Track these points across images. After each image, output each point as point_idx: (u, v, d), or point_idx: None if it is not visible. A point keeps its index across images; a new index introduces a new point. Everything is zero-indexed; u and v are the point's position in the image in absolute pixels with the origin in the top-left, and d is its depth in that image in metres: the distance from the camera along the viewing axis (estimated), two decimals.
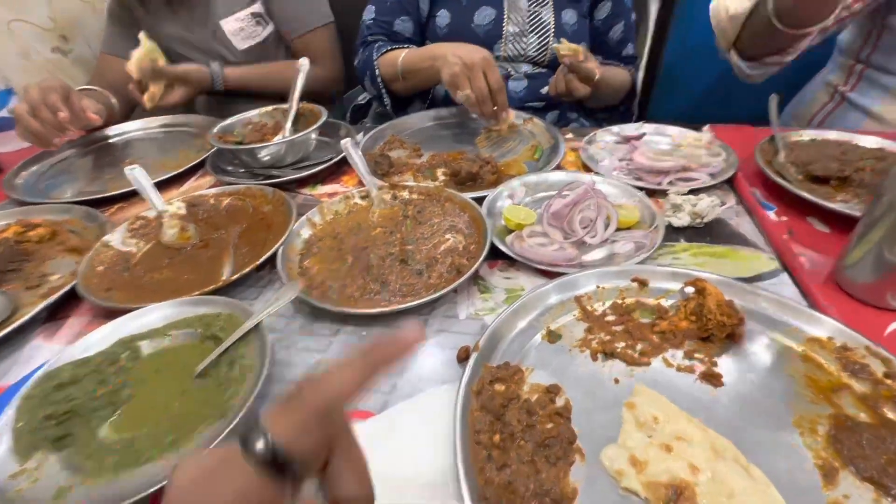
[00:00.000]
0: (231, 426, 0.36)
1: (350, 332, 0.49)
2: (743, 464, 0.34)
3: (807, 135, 0.73)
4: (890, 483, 0.32)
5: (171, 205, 0.68)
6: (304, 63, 0.90)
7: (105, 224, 0.67)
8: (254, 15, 1.10)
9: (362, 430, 0.37)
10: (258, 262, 0.55)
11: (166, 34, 1.08)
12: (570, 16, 1.04)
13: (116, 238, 0.63)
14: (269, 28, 1.14)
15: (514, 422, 0.37)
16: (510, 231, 0.60)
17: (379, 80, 0.95)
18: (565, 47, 0.86)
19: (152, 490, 0.33)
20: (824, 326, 0.43)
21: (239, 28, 1.09)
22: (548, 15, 1.02)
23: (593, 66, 0.90)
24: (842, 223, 0.55)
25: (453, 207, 0.64)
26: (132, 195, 0.77)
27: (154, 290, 0.56)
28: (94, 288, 0.54)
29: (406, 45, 0.96)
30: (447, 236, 0.59)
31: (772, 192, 0.63)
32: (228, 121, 0.86)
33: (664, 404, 0.38)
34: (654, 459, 0.34)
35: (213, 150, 0.84)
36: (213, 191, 0.72)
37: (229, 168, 0.82)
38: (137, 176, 0.67)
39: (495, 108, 0.82)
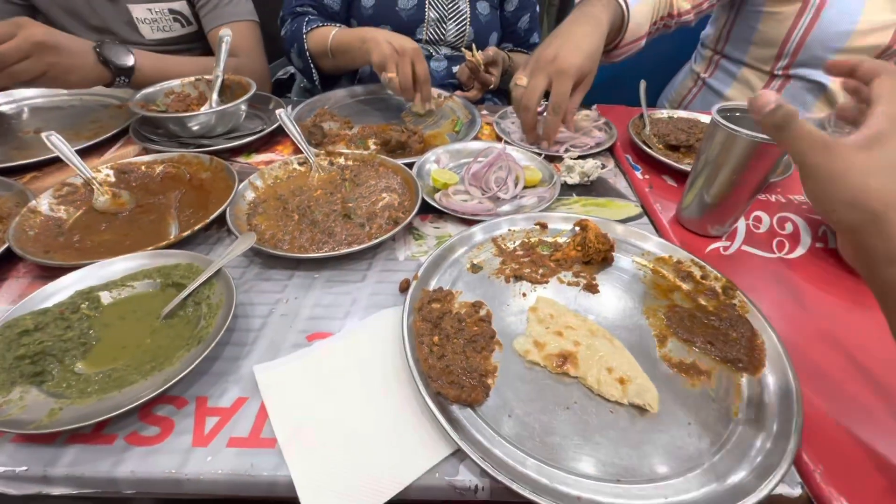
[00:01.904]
0: (210, 348, 0.42)
1: (303, 276, 0.56)
2: (609, 338, 0.48)
3: (665, 113, 0.92)
4: (695, 339, 0.48)
5: (98, 172, 0.68)
6: (226, 32, 0.91)
7: (23, 192, 0.65)
8: (172, 12, 1.05)
9: (325, 346, 0.46)
10: (209, 220, 0.59)
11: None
12: (483, 7, 1.15)
13: (43, 204, 0.62)
14: (190, 29, 1.10)
15: (448, 327, 0.48)
16: (437, 190, 0.70)
17: (308, 54, 0.98)
18: (470, 55, 0.99)
19: (142, 402, 0.38)
20: (666, 249, 0.59)
21: (151, 18, 1.04)
22: (464, 5, 1.12)
23: (495, 74, 1.06)
24: (686, 179, 0.73)
25: (387, 171, 0.72)
26: (45, 164, 0.74)
27: (97, 252, 0.57)
28: (30, 250, 0.54)
29: (336, 24, 1.00)
30: (384, 195, 0.67)
31: (639, 157, 0.81)
32: (150, 89, 0.84)
33: (558, 307, 0.51)
34: (549, 341, 0.47)
35: (135, 119, 0.83)
36: (145, 158, 0.72)
37: (154, 137, 0.81)
38: (56, 143, 0.66)
39: (418, 94, 0.90)
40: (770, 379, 0.44)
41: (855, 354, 0.48)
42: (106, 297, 0.49)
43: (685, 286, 0.55)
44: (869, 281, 0.38)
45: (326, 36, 0.96)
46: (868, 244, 0.35)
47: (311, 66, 1.00)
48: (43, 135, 0.65)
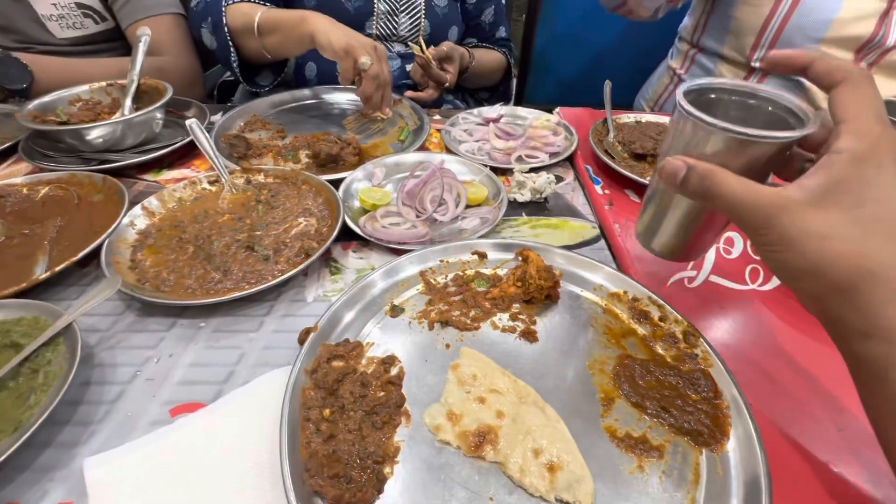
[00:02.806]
0: (22, 440, 0.33)
1: (186, 325, 0.47)
2: (541, 406, 0.39)
3: (632, 117, 0.83)
4: (648, 405, 0.39)
5: None
6: (144, 31, 0.81)
7: None
8: (80, 6, 0.94)
9: (187, 424, 0.37)
10: (76, 259, 0.49)
11: None
12: None
13: None
14: (106, 25, 0.99)
15: (346, 395, 0.39)
16: (366, 212, 0.61)
17: (225, 28, 0.85)
18: (418, 49, 0.89)
19: None
20: (620, 283, 0.50)
21: (57, 14, 0.93)
22: None
23: (451, 72, 0.96)
24: None
25: (309, 191, 0.63)
26: None
27: None
28: None
29: (265, 2, 0.89)
30: (300, 220, 0.58)
31: (601, 168, 0.72)
32: (48, 97, 0.74)
33: (484, 363, 0.42)
34: (468, 412, 0.38)
35: (27, 133, 0.73)
36: (26, 179, 0.63)
37: (51, 154, 0.71)
38: None
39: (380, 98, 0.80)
40: (734, 458, 0.36)
41: (840, 417, 0.40)
42: None
43: (641, 330, 0.47)
44: (839, 348, 0.30)
45: (253, 11, 0.83)
46: (836, 315, 0.28)
47: (230, 43, 0.86)
48: None
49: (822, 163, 0.28)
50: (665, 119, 0.84)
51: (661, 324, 0.46)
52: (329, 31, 0.77)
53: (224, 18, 0.85)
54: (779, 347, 0.46)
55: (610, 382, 0.42)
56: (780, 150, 0.31)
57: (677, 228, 0.40)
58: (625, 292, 0.49)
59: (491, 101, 1.28)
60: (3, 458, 0.32)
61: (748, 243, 0.58)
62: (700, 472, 0.36)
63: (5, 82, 0.71)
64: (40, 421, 0.34)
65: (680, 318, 0.46)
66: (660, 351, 0.45)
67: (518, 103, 1.45)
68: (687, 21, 1.13)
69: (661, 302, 0.47)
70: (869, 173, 0.26)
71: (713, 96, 0.37)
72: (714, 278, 0.54)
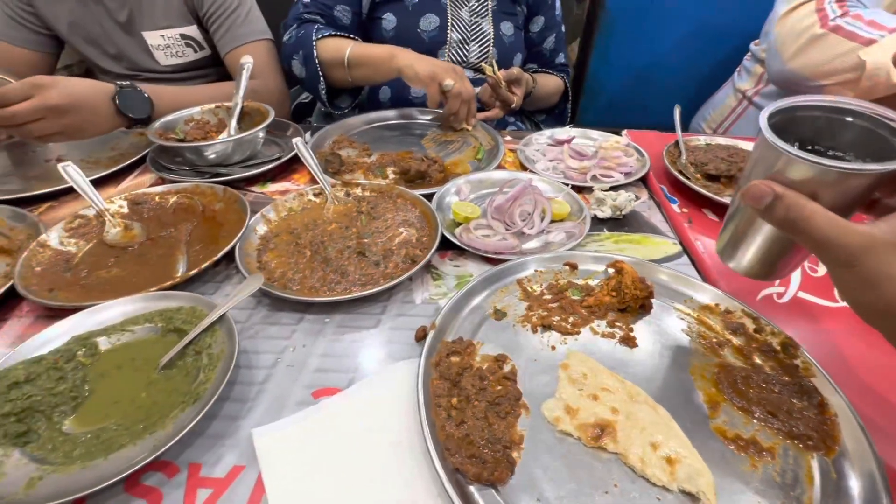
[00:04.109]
0: (206, 408, 0.38)
1: (312, 319, 0.52)
2: (651, 405, 0.42)
3: (703, 140, 0.86)
4: (755, 409, 0.42)
5: (111, 203, 0.67)
6: (247, 60, 0.91)
7: (36, 224, 0.64)
8: (184, 37, 1.06)
9: (331, 405, 0.41)
10: (216, 258, 0.56)
11: (69, 24, 1.01)
12: (507, 27, 1.12)
13: (53, 237, 0.61)
14: (203, 53, 1.11)
15: (468, 386, 0.43)
16: (458, 224, 0.66)
17: (316, 61, 0.96)
18: (490, 70, 0.97)
19: (127, 473, 0.34)
20: (712, 295, 0.53)
21: (164, 45, 1.05)
22: (487, 26, 1.10)
23: (518, 94, 1.03)
24: None
25: (405, 203, 0.68)
26: (62, 194, 0.74)
27: (102, 290, 0.55)
28: (34, 289, 0.52)
29: (351, 36, 0.98)
30: (401, 230, 0.63)
31: (676, 188, 0.75)
32: (169, 117, 0.84)
33: (592, 364, 0.46)
34: (583, 407, 0.41)
35: (153, 147, 0.82)
36: (158, 189, 0.71)
37: (171, 166, 0.80)
38: (72, 173, 0.65)
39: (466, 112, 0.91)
40: (848, 462, 0.37)
41: None
42: (104, 343, 0.46)
43: (736, 341, 0.49)
44: None
45: (342, 47, 0.94)
46: None
47: (319, 74, 0.97)
48: (59, 165, 0.64)
49: None
50: (733, 142, 0.86)
51: (757, 335, 0.49)
52: (415, 64, 0.88)
53: (315, 52, 0.96)
54: (874, 366, 0.47)
55: (713, 388, 0.44)
56: (875, 181, 0.30)
57: (759, 250, 0.40)
58: (717, 305, 0.52)
59: (547, 123, 1.33)
60: (193, 423, 0.37)
61: None
62: (813, 474, 0.37)
63: (131, 112, 0.81)
64: (217, 394, 0.39)
65: (777, 329, 0.48)
66: (758, 361, 0.47)
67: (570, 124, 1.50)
68: (765, 39, 1.13)
69: (756, 314, 0.49)
70: None
71: (801, 114, 0.35)
72: (803, 294, 0.55)
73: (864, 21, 0.83)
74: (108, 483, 0.34)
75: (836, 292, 0.55)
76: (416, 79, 0.88)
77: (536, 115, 1.34)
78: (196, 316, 0.48)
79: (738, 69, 1.33)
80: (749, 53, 1.27)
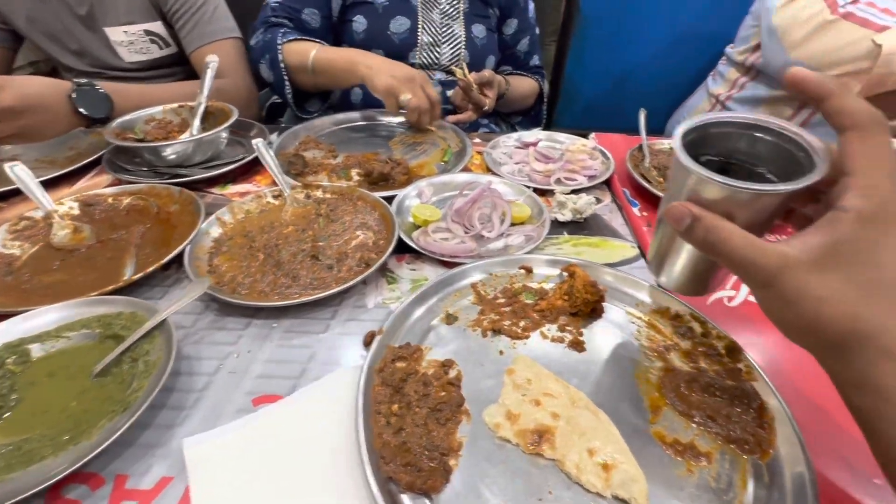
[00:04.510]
0: (135, 417, 0.37)
1: (260, 325, 0.51)
2: (593, 410, 0.42)
3: (668, 143, 0.87)
4: (695, 413, 0.42)
5: (61, 204, 0.65)
6: (212, 58, 0.89)
7: None
8: (148, 33, 1.04)
9: (270, 413, 0.40)
10: (164, 261, 0.55)
11: (27, 19, 0.98)
12: (479, 30, 1.12)
13: None
14: (169, 51, 1.09)
15: (411, 392, 0.42)
16: (417, 227, 0.65)
17: (282, 65, 0.95)
18: (460, 73, 0.97)
19: (44, 486, 0.33)
20: (663, 300, 0.53)
21: (128, 41, 1.03)
22: (458, 28, 1.10)
23: (490, 96, 1.02)
24: None
25: (365, 206, 0.68)
26: (13, 195, 0.71)
27: (43, 294, 0.53)
28: None
29: (316, 40, 0.97)
30: (358, 233, 0.63)
31: (638, 191, 0.75)
32: (128, 117, 0.82)
33: (537, 369, 0.46)
34: (525, 413, 0.41)
35: (110, 148, 0.80)
36: (112, 190, 0.69)
37: (129, 167, 0.78)
38: (19, 174, 0.63)
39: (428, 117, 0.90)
40: (780, 466, 0.38)
41: None
42: (37, 351, 0.45)
43: (683, 344, 0.49)
44: (839, 391, 0.31)
45: (307, 51, 0.93)
46: (832, 368, 0.29)
47: (285, 78, 0.96)
48: (6, 165, 0.62)
49: (828, 219, 0.27)
50: None
51: (704, 339, 0.49)
52: (374, 76, 0.87)
53: (280, 55, 0.95)
54: (814, 371, 0.48)
55: (656, 392, 0.44)
56: (786, 198, 0.30)
57: (685, 267, 0.39)
58: (667, 308, 0.52)
59: (523, 125, 1.33)
60: (119, 433, 0.36)
61: None
62: (747, 478, 0.38)
63: (89, 112, 0.78)
64: (147, 402, 0.38)
65: (723, 333, 0.48)
66: (703, 365, 0.47)
67: (547, 128, 1.51)
68: (745, 38, 1.15)
69: (704, 318, 0.50)
70: (873, 236, 0.25)
71: (715, 130, 0.34)
72: (752, 298, 0.56)
73: (878, 8, 0.81)
74: (23, 496, 0.32)
75: None
76: (375, 91, 0.88)
77: (512, 117, 1.34)
78: (136, 322, 0.47)
79: (711, 73, 1.35)
80: (724, 58, 1.29)
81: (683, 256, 0.38)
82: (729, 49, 1.23)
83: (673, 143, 0.33)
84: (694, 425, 0.41)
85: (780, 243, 0.28)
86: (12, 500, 0.32)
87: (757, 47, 1.09)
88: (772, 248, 0.28)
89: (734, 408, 0.42)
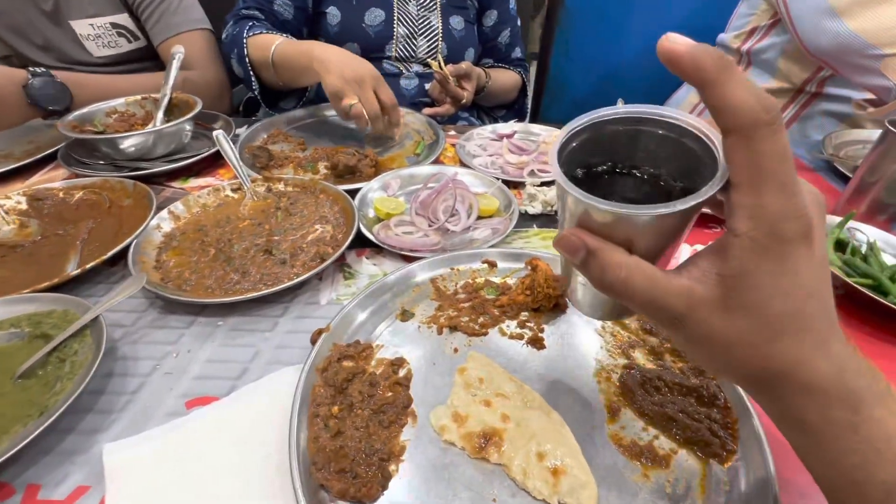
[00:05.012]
0: (49, 422, 0.35)
1: (205, 322, 0.48)
2: (546, 411, 0.39)
3: None
4: (655, 415, 0.39)
5: (8, 199, 0.62)
6: (178, 49, 0.86)
7: None
8: (115, 25, 1.00)
9: (202, 416, 0.38)
10: (105, 257, 0.52)
11: None
12: (457, 21, 1.09)
13: None
14: (138, 44, 1.05)
15: (355, 393, 0.40)
16: (380, 220, 0.63)
17: (247, 60, 0.90)
18: (436, 66, 0.93)
19: None
20: None
21: (94, 34, 1.00)
22: (436, 20, 1.07)
23: (468, 89, 0.98)
24: None
25: (327, 199, 0.65)
26: None
27: None
28: None
29: (283, 33, 0.92)
30: (316, 227, 0.60)
31: None
32: (87, 109, 0.79)
33: (491, 367, 0.43)
34: (473, 414, 0.39)
35: (67, 141, 0.77)
36: (63, 184, 0.66)
37: (88, 161, 0.75)
38: None
39: (386, 120, 0.81)
40: (742, 471, 0.35)
41: None
42: None
43: (650, 340, 0.47)
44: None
45: (269, 44, 0.87)
46: (757, 401, 0.27)
47: (251, 75, 0.91)
48: None
49: (721, 245, 0.23)
50: None
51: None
52: (324, 74, 0.78)
53: (245, 50, 0.90)
54: None
55: (616, 391, 0.42)
56: (693, 211, 0.24)
57: (596, 295, 0.31)
58: None
59: (506, 119, 1.31)
60: (28, 440, 0.33)
61: None
62: (707, 483, 0.35)
63: (47, 104, 0.76)
64: (64, 407, 0.36)
65: None
66: (668, 363, 0.44)
67: (533, 122, 1.48)
68: (741, 25, 1.11)
69: None
70: (769, 266, 0.22)
71: (605, 130, 0.26)
72: None
73: None
74: None
75: None
76: (325, 91, 0.80)
77: (495, 110, 1.31)
78: (68, 320, 0.44)
79: None
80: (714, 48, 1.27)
81: (590, 287, 0.29)
82: (722, 36, 1.21)
83: (549, 156, 0.26)
84: (652, 428, 0.39)
85: (683, 274, 0.24)
86: None
87: (752, 33, 1.07)
88: (676, 286, 0.24)
89: (698, 407, 0.40)
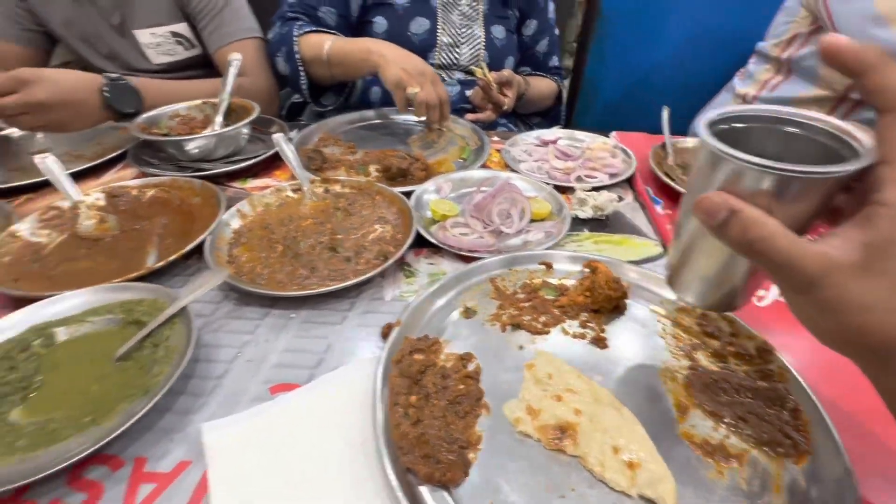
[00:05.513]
0: (155, 400, 0.37)
1: (278, 314, 0.51)
2: (617, 407, 0.40)
3: (691, 142, 0.85)
4: (725, 413, 0.40)
5: (88, 195, 0.66)
6: (235, 56, 0.90)
7: (11, 214, 0.64)
8: (175, 34, 1.06)
9: (287, 401, 0.40)
10: (185, 250, 0.55)
11: (63, 22, 1.02)
12: (498, 31, 1.12)
13: (25, 228, 0.60)
14: (194, 52, 1.11)
15: (429, 385, 0.42)
16: (436, 222, 0.65)
17: (297, 57, 0.95)
18: (480, 73, 0.96)
19: (65, 465, 0.33)
20: None
21: (155, 43, 1.06)
22: (478, 29, 1.09)
23: (509, 96, 1.01)
24: None
25: (383, 201, 0.68)
26: (42, 186, 0.73)
27: (69, 281, 0.54)
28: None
29: (332, 31, 0.97)
30: (376, 227, 0.62)
31: (661, 189, 0.74)
32: (153, 112, 0.83)
33: (558, 364, 0.44)
34: (546, 408, 0.40)
35: (135, 142, 0.82)
36: (136, 182, 0.70)
37: (154, 161, 0.79)
38: (50, 165, 0.64)
39: (436, 114, 0.88)
40: (818, 470, 0.36)
41: None
42: (62, 334, 0.46)
43: (712, 343, 0.47)
44: (883, 399, 0.29)
45: (322, 42, 0.92)
46: (873, 375, 0.27)
47: (300, 70, 0.96)
48: (36, 158, 0.64)
49: (866, 216, 0.24)
50: None
51: (733, 338, 0.47)
52: (386, 67, 0.85)
53: (295, 47, 0.95)
54: (852, 371, 0.46)
55: (682, 391, 0.43)
56: (830, 188, 0.27)
57: (712, 276, 0.34)
58: (693, 307, 0.50)
59: (541, 126, 1.32)
60: (139, 416, 0.36)
61: None
62: (781, 482, 0.36)
63: (122, 106, 0.81)
64: (167, 387, 0.38)
65: (753, 333, 0.46)
66: (732, 365, 0.45)
67: (566, 128, 1.50)
68: (781, 33, 1.10)
69: (733, 317, 0.48)
70: None
71: (742, 125, 0.31)
72: (784, 298, 0.53)
73: None
74: (46, 474, 0.33)
75: None
76: (385, 82, 0.87)
77: (530, 117, 1.33)
78: (157, 308, 0.47)
79: (738, 73, 1.32)
80: (754, 56, 1.26)
81: (709, 263, 0.33)
82: (761, 44, 1.20)
83: (698, 130, 0.30)
84: (723, 426, 0.39)
85: (820, 243, 0.25)
86: (35, 477, 0.32)
87: (792, 40, 1.06)
88: (813, 250, 0.25)
89: (767, 409, 0.40)
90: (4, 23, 1.01)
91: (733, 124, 0.31)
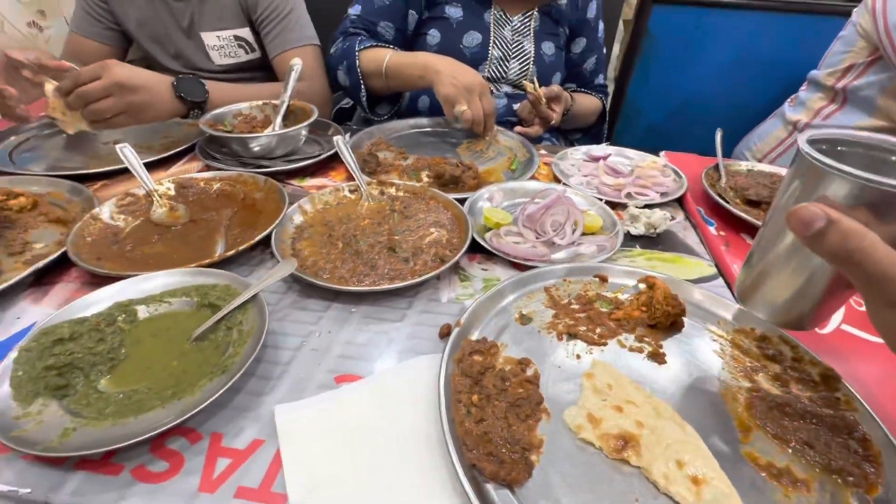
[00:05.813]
0: (233, 380, 0.39)
1: (339, 308, 0.53)
2: (679, 422, 0.40)
3: (744, 165, 0.84)
4: (790, 438, 0.39)
5: (160, 185, 0.70)
6: (297, 62, 0.95)
7: (91, 199, 0.68)
8: (237, 38, 1.12)
9: (352, 391, 0.42)
10: (254, 241, 0.58)
11: (137, 23, 1.09)
12: (548, 47, 1.14)
13: (105, 212, 0.64)
14: (253, 55, 1.17)
15: (490, 386, 0.43)
16: (489, 229, 0.66)
17: (358, 70, 0.99)
18: (531, 87, 0.98)
19: (154, 434, 0.35)
20: (749, 320, 0.51)
21: (219, 45, 1.12)
22: (529, 45, 1.12)
23: (557, 111, 1.03)
24: None
25: (437, 205, 0.69)
26: (116, 174, 0.78)
27: (145, 263, 0.57)
28: (84, 257, 0.55)
29: (391, 46, 1.02)
30: (432, 230, 0.64)
31: (714, 211, 0.73)
32: (219, 110, 0.88)
33: (617, 375, 0.45)
34: (607, 417, 0.40)
35: (203, 136, 0.86)
36: (204, 175, 0.74)
37: (217, 155, 0.83)
38: (128, 154, 0.68)
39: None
40: (891, 500, 0.35)
41: None
42: (143, 312, 0.48)
43: (773, 367, 0.47)
44: None
45: (382, 56, 0.97)
46: None
47: (361, 83, 1.01)
48: (116, 146, 0.68)
49: None
50: (778, 170, 0.84)
51: (796, 364, 0.46)
52: (438, 82, 0.90)
53: (357, 61, 0.99)
54: None
55: (745, 412, 0.42)
56: None
57: (791, 292, 0.34)
58: (752, 329, 0.50)
59: (582, 142, 1.33)
60: (219, 394, 0.38)
61: None
62: None
63: (190, 96, 0.86)
64: (245, 367, 0.40)
65: (816, 360, 0.46)
66: (795, 390, 0.44)
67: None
68: (839, 60, 1.10)
69: (796, 342, 0.47)
70: None
71: (840, 149, 0.32)
72: (846, 327, 0.53)
73: None
74: (135, 441, 0.35)
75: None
76: (437, 96, 0.92)
77: (572, 133, 1.34)
78: (230, 293, 0.50)
79: (790, 100, 1.30)
80: (806, 83, 1.24)
81: (790, 278, 0.34)
82: (814, 72, 1.19)
83: (800, 144, 0.31)
84: (790, 450, 0.39)
85: None
86: (126, 443, 0.35)
87: (848, 70, 1.05)
88: None
89: (834, 437, 0.39)
90: (86, 21, 1.09)
91: (837, 148, 0.32)
